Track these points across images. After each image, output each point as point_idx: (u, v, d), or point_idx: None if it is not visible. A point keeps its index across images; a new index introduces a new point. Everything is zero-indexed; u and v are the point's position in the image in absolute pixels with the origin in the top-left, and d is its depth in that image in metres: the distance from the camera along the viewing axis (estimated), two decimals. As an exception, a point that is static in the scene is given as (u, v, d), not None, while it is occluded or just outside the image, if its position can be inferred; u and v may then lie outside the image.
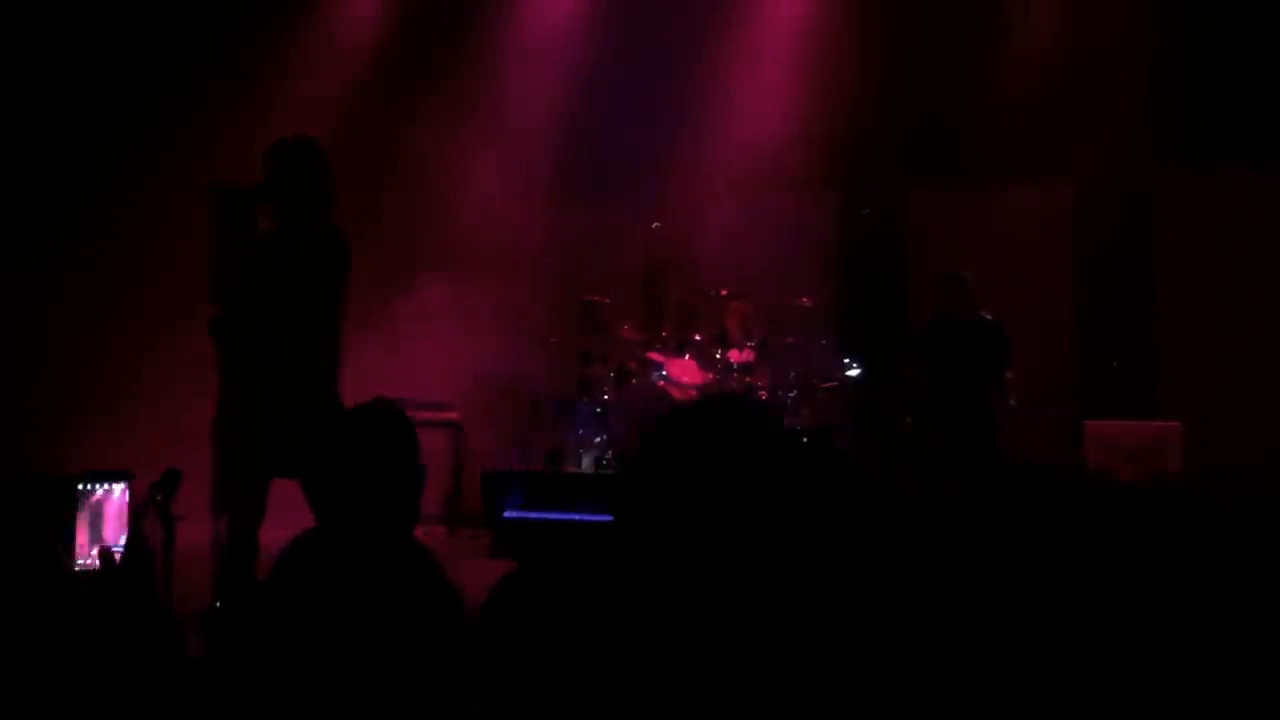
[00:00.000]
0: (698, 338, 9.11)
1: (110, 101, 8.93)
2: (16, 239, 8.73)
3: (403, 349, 8.92)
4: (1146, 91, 8.65)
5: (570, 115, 9.61)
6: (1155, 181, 9.14)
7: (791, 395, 8.86)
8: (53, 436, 8.11)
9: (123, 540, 5.05)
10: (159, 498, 4.11)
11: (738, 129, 9.41)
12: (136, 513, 3.97)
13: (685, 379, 8.95)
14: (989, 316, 7.86)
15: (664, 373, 9.03)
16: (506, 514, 8.41)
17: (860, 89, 9.31)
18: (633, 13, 9.59)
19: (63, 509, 5.86)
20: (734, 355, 8.94)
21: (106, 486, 6.12)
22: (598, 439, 9.08)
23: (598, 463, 9.02)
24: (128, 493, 6.09)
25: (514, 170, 9.52)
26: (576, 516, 8.27)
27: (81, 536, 5.92)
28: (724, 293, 9.09)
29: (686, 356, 9.08)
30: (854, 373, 8.94)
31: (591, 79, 9.60)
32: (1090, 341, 9.17)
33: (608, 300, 9.44)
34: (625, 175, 9.69)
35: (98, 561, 4.33)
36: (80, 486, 6.03)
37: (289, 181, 5.03)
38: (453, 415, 9.16)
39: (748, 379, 8.86)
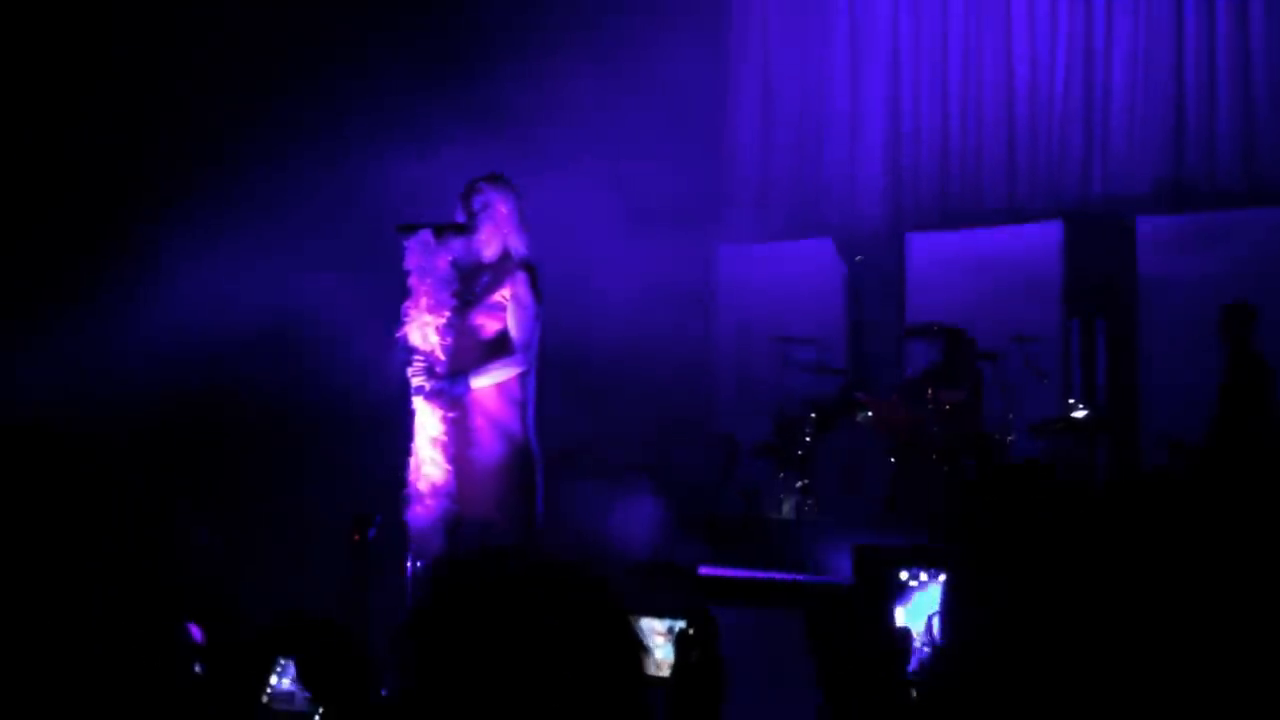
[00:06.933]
0: (907, 375, 8.53)
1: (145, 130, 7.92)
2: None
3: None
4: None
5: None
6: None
7: (1010, 439, 8.15)
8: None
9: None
10: (356, 538, 3.86)
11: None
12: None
13: (892, 419, 8.34)
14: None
15: (869, 414, 8.45)
16: (701, 570, 7.93)
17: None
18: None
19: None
20: (945, 395, 8.30)
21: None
22: (799, 484, 8.53)
23: (799, 508, 8.48)
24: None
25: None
26: (779, 576, 7.72)
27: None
28: (935, 328, 8.46)
29: (893, 397, 8.49)
30: (1080, 414, 8.20)
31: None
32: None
33: (812, 340, 8.93)
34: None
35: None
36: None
37: (486, 217, 5.10)
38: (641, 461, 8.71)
39: (961, 420, 8.21)
